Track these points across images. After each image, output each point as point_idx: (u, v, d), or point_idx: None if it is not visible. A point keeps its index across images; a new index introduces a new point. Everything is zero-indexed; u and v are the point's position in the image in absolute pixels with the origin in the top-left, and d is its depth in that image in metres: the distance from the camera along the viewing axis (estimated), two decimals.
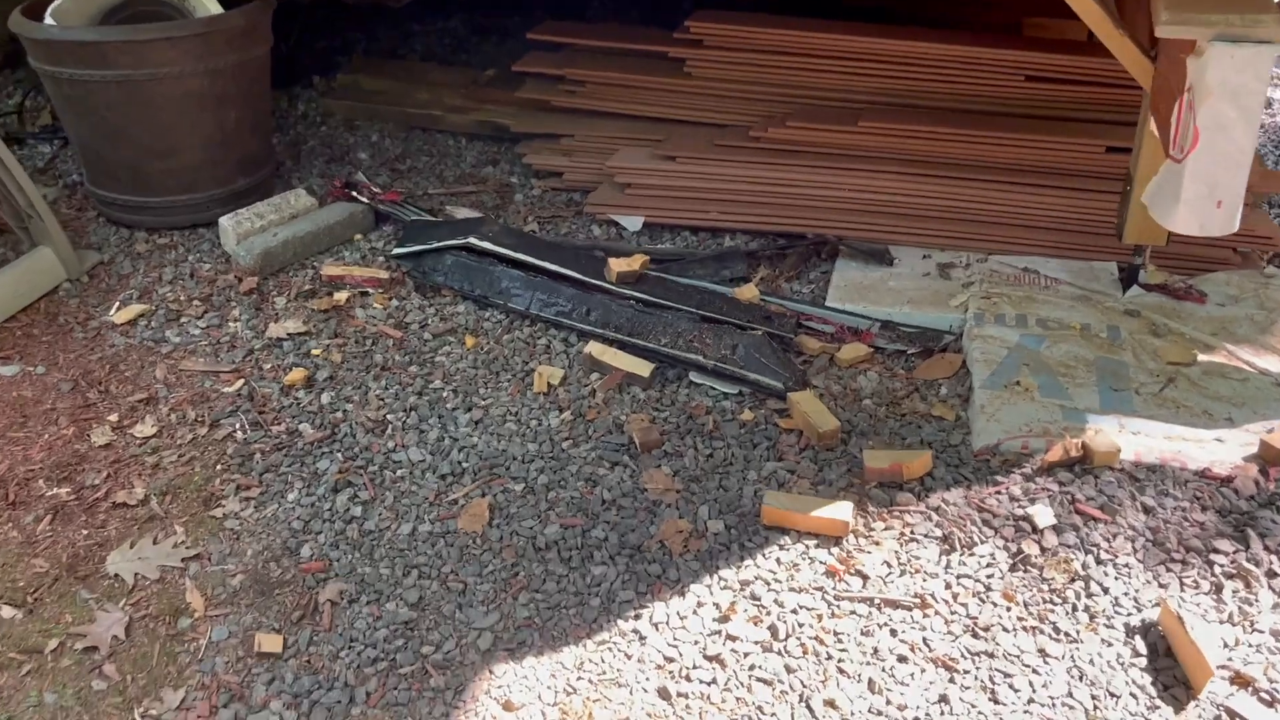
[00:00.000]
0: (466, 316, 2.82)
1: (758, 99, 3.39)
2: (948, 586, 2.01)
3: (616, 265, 2.80)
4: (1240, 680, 1.81)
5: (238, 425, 2.45)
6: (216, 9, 3.02)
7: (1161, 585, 1.99)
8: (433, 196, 3.46)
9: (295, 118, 3.95)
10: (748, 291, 2.82)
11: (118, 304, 2.86)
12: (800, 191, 3.16)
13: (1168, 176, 2.29)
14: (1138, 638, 1.88)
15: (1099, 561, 2.04)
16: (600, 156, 3.45)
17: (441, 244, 2.93)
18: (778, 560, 2.08)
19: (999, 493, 2.20)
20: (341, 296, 2.87)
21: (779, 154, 3.21)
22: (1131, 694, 1.80)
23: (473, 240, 2.90)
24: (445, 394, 2.56)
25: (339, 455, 2.36)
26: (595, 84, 3.54)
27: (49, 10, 2.91)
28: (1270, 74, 2.24)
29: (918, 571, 2.04)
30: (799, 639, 1.91)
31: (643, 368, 2.56)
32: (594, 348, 2.61)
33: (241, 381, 2.58)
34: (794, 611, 1.96)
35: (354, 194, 3.22)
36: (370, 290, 2.91)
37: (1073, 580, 2.01)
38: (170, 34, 2.84)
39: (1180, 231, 2.30)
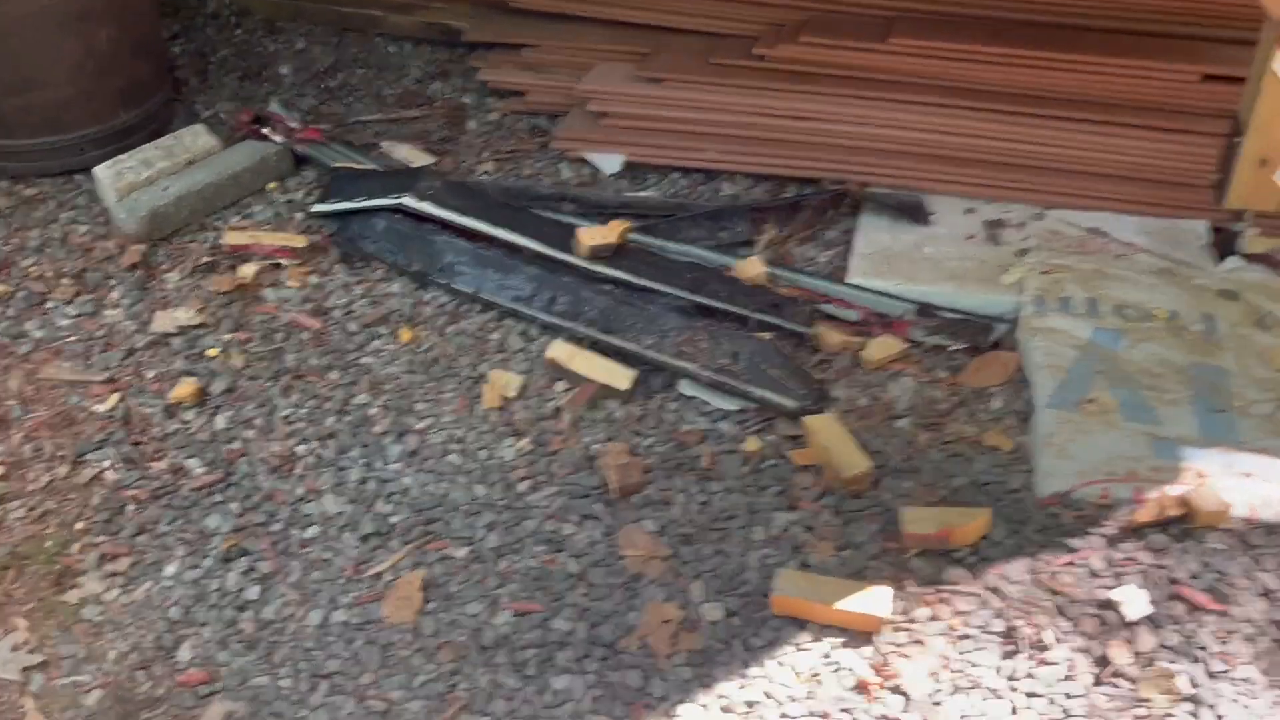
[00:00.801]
0: (402, 299, 2.28)
1: (762, 2, 2.75)
2: (1014, 712, 1.54)
3: (588, 238, 2.24)
4: None
5: (108, 462, 1.94)
6: None
7: None
8: (368, 126, 2.84)
9: (203, 18, 3.28)
10: (751, 267, 2.26)
11: None
12: (815, 126, 2.56)
13: None
14: None
15: (1211, 675, 1.57)
16: (572, 73, 2.82)
17: (370, 203, 2.36)
18: (794, 669, 1.61)
19: (1074, 565, 1.72)
20: (248, 271, 2.31)
21: (789, 77, 2.60)
22: None
23: (407, 201, 2.32)
24: (373, 412, 2.04)
25: (234, 507, 1.86)
26: None
27: None
28: None
29: (974, 686, 1.57)
30: None
31: (621, 378, 2.04)
32: (559, 350, 2.08)
33: (117, 397, 2.05)
34: None
35: (266, 131, 2.61)
36: (284, 262, 2.35)
37: (1176, 701, 1.54)
38: None
39: None
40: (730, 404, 2.03)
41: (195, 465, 1.93)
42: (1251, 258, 2.27)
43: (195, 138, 2.54)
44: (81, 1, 2.35)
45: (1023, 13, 2.58)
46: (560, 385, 2.08)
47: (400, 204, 2.32)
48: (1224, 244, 2.29)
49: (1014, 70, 2.47)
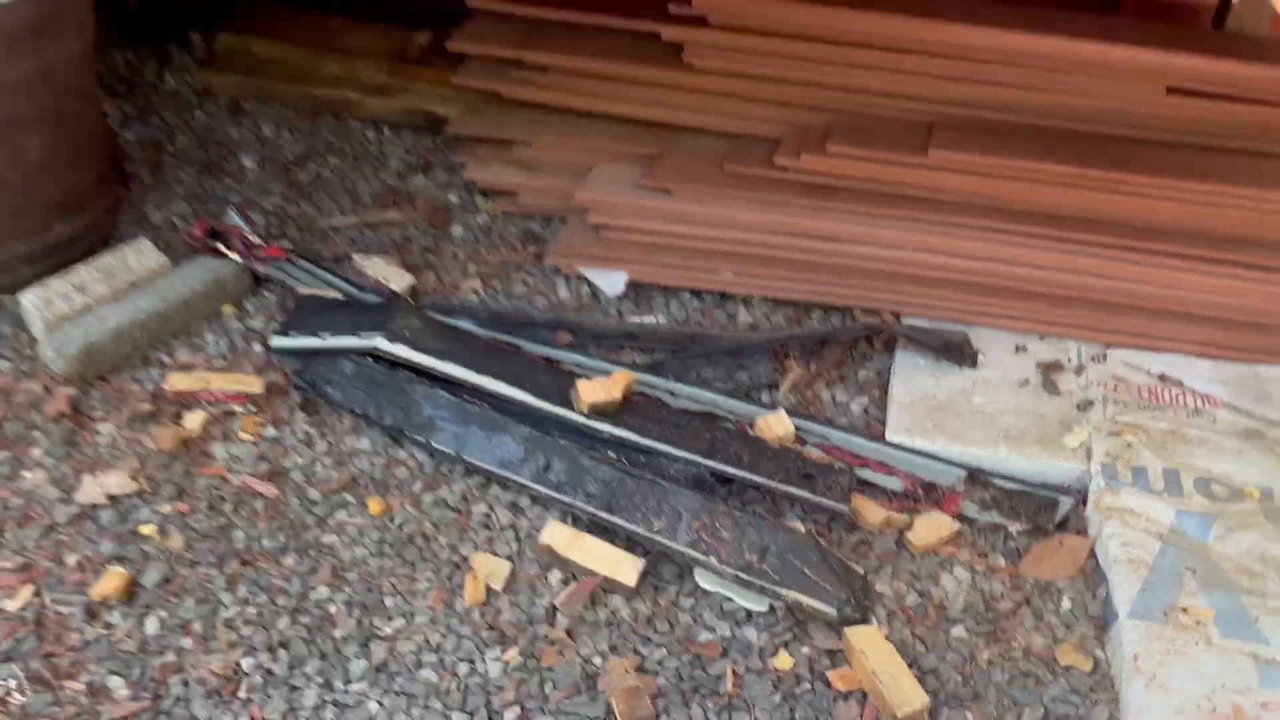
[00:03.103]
0: (372, 459, 1.96)
1: (785, 102, 2.45)
2: None
3: (588, 394, 1.93)
4: None
5: (13, 684, 1.61)
6: None
7: None
8: (340, 232, 2.54)
9: (161, 98, 2.97)
10: (778, 425, 1.96)
11: None
12: (844, 248, 2.27)
13: None
14: None
15: None
16: (569, 174, 2.53)
17: (338, 343, 2.05)
18: None
19: None
20: (195, 422, 1.99)
21: (814, 191, 2.31)
22: None
23: (380, 343, 2.01)
24: (334, 609, 1.72)
25: None
26: (562, 71, 2.58)
27: None
28: None
29: None
30: None
31: (627, 570, 1.73)
32: (555, 535, 1.77)
33: (30, 590, 1.73)
34: None
35: (221, 248, 2.30)
36: (237, 409, 2.04)
37: None
38: None
39: None
40: (756, 604, 1.72)
41: (118, 685, 1.60)
42: None
43: (140, 256, 2.22)
44: (7, 108, 2.03)
45: (1081, 122, 2.29)
46: (555, 575, 1.77)
47: (373, 345, 2.01)
48: None
49: (1071, 191, 2.18)
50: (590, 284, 2.38)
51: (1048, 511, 1.87)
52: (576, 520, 1.84)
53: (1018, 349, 2.19)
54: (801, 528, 1.82)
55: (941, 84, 2.32)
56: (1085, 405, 2.04)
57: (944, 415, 2.03)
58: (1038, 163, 2.19)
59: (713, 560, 1.72)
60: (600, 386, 1.93)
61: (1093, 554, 1.81)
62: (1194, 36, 2.31)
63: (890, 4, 2.32)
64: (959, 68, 2.30)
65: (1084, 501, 1.89)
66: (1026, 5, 2.40)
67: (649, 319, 2.32)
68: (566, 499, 1.83)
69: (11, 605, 1.71)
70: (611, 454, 1.91)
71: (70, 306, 2.12)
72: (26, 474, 1.92)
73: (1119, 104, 2.24)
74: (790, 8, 2.34)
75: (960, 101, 2.33)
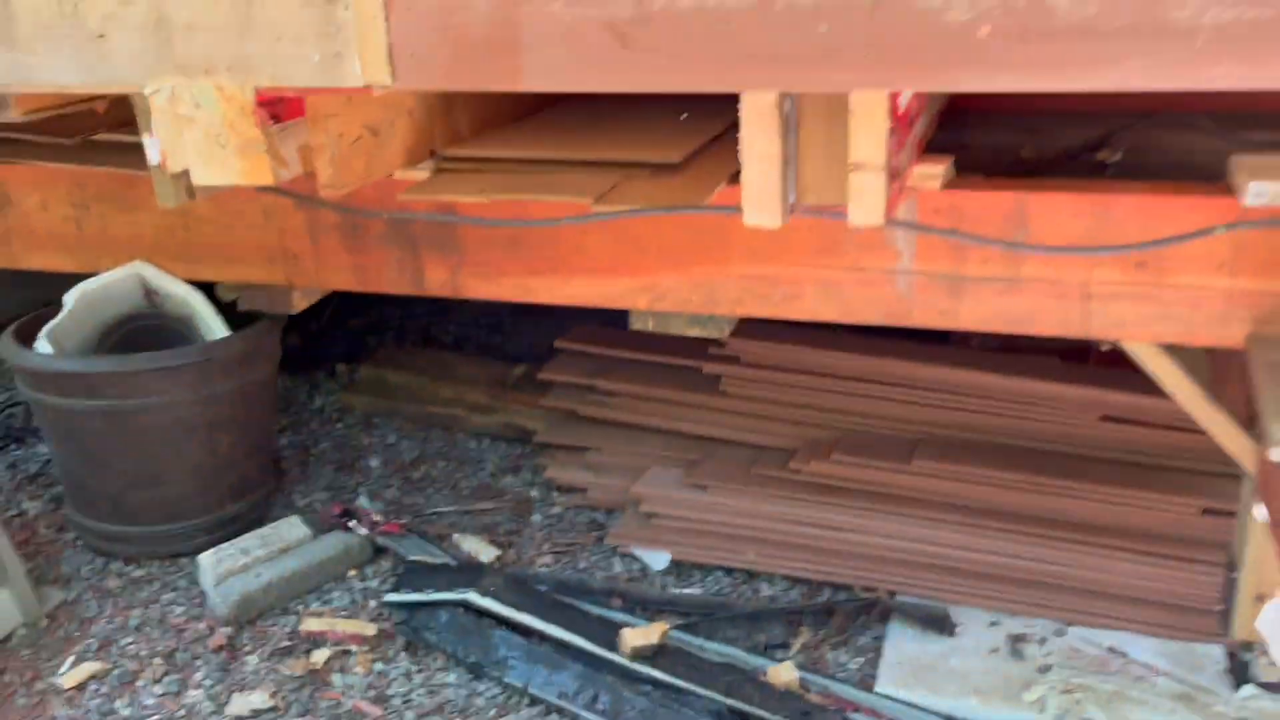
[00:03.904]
0: (457, 690, 2.45)
1: (800, 421, 3.08)
2: None
3: (632, 638, 2.43)
4: None
5: None
6: (220, 328, 2.83)
7: None
8: (443, 517, 3.16)
9: (310, 413, 3.75)
10: (785, 673, 2.41)
11: (71, 659, 2.55)
12: (847, 536, 2.80)
13: None
14: None
15: None
16: (628, 474, 3.14)
17: (437, 597, 2.60)
18: None
19: None
20: (320, 657, 2.53)
21: (823, 490, 2.87)
22: None
23: (472, 597, 2.56)
24: None
25: None
26: (626, 396, 3.28)
27: (44, 330, 2.74)
28: None
29: None
30: None
31: None
32: None
33: None
34: None
35: (352, 525, 2.93)
36: (354, 649, 2.57)
37: None
38: (162, 364, 2.65)
39: None
40: None
41: None
42: (1270, 686, 2.35)
43: (291, 529, 2.86)
44: (214, 413, 2.77)
45: (1039, 441, 2.85)
46: None
47: (465, 599, 2.56)
48: (1239, 670, 2.38)
49: (1031, 495, 2.71)
50: (640, 560, 2.92)
51: None
52: None
53: (991, 624, 2.63)
54: None
55: (922, 410, 2.93)
56: (1044, 669, 2.45)
57: (926, 673, 2.46)
58: (1000, 471, 2.73)
59: None
60: (642, 633, 2.43)
61: None
62: (1125, 377, 2.90)
63: (880, 349, 2.99)
64: (936, 398, 2.92)
65: None
66: (1001, 351, 3.05)
67: (687, 590, 2.83)
68: None
69: None
70: (648, 689, 2.37)
71: (235, 564, 2.73)
72: (190, 692, 2.45)
73: (1064, 428, 2.81)
74: (803, 351, 3.03)
75: (938, 424, 2.93)
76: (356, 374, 3.91)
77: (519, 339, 4.32)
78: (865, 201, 1.78)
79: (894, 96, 1.75)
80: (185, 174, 2.07)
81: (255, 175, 2.04)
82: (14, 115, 2.22)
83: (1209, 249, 2.06)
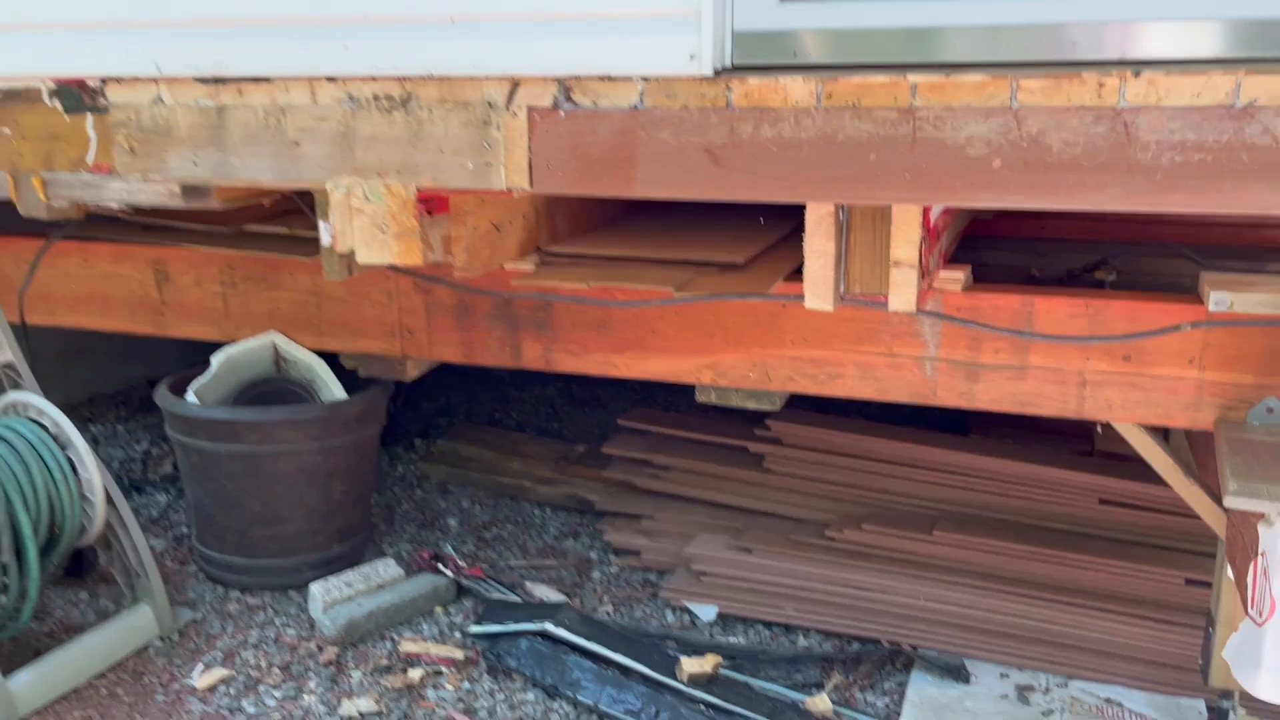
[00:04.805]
0: (535, 706, 2.82)
1: (834, 497, 3.50)
2: None
3: (689, 665, 2.81)
4: None
5: None
6: (339, 391, 3.31)
7: None
8: (514, 569, 3.56)
9: (393, 479, 4.19)
10: (820, 704, 2.78)
11: (201, 666, 2.94)
12: (875, 596, 3.18)
13: (1248, 636, 2.28)
14: None
15: None
16: (679, 540, 3.55)
17: (518, 627, 2.99)
18: None
19: None
20: (416, 675, 2.91)
21: (854, 555, 3.27)
22: None
23: (549, 627, 2.96)
24: None
25: None
26: (679, 470, 3.72)
27: (192, 386, 3.22)
28: None
29: None
30: None
31: None
32: None
33: None
34: None
35: (440, 566, 3.34)
36: (444, 669, 2.95)
37: None
38: (296, 416, 3.12)
39: (1265, 699, 2.25)
40: None
41: None
42: None
43: (386, 567, 3.27)
44: (332, 462, 3.22)
45: (1045, 519, 3.26)
46: None
47: (544, 629, 2.95)
48: (1218, 718, 2.73)
49: (1037, 564, 3.11)
50: (690, 612, 3.31)
51: None
52: None
53: (1002, 675, 2.99)
54: None
55: (942, 489, 3.35)
56: (1048, 714, 2.81)
57: (943, 712, 2.81)
58: (1010, 543, 3.14)
59: None
60: (698, 662, 2.81)
61: None
62: (1122, 466, 3.33)
63: (906, 436, 3.43)
64: (955, 479, 3.34)
65: None
66: (1012, 440, 3.48)
67: (732, 639, 3.20)
68: None
69: None
70: (702, 710, 2.74)
71: (340, 595, 3.14)
72: (305, 696, 2.83)
73: (1066, 508, 3.22)
74: (837, 435, 3.47)
75: (956, 501, 3.34)
76: (434, 446, 4.36)
77: (573, 425, 4.78)
78: (902, 292, 2.26)
79: (926, 211, 2.25)
80: (350, 254, 2.58)
81: (408, 257, 2.55)
82: (214, 203, 2.74)
83: (1182, 346, 2.52)
